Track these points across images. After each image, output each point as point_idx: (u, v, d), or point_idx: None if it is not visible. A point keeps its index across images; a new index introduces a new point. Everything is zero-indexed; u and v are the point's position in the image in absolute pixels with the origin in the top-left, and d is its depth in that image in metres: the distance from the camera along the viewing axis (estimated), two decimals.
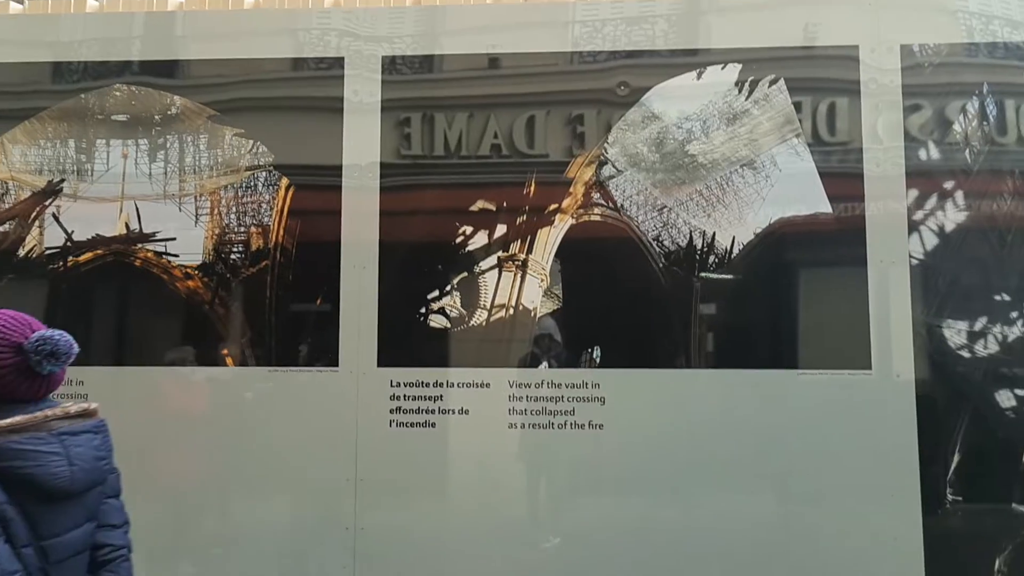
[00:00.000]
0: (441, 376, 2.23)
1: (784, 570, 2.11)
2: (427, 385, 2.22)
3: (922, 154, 2.23)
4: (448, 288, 2.27)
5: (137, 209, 2.33)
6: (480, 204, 2.28)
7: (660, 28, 2.30)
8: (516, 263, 2.26)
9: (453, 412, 2.22)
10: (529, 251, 2.26)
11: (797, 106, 2.25)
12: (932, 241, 2.21)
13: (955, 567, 2.10)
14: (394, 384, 2.22)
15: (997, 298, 2.19)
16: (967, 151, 2.23)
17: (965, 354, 2.18)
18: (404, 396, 2.22)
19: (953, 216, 2.21)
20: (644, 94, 2.28)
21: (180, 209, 2.32)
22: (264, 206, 2.31)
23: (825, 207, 2.23)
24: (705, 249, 2.23)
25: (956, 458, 2.13)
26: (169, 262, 2.32)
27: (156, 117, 2.36)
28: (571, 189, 2.27)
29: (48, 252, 2.34)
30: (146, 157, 2.33)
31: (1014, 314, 2.19)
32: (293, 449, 2.24)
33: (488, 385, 2.22)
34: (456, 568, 2.19)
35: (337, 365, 2.23)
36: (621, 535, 2.15)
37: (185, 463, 2.26)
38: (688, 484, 2.16)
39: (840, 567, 2.10)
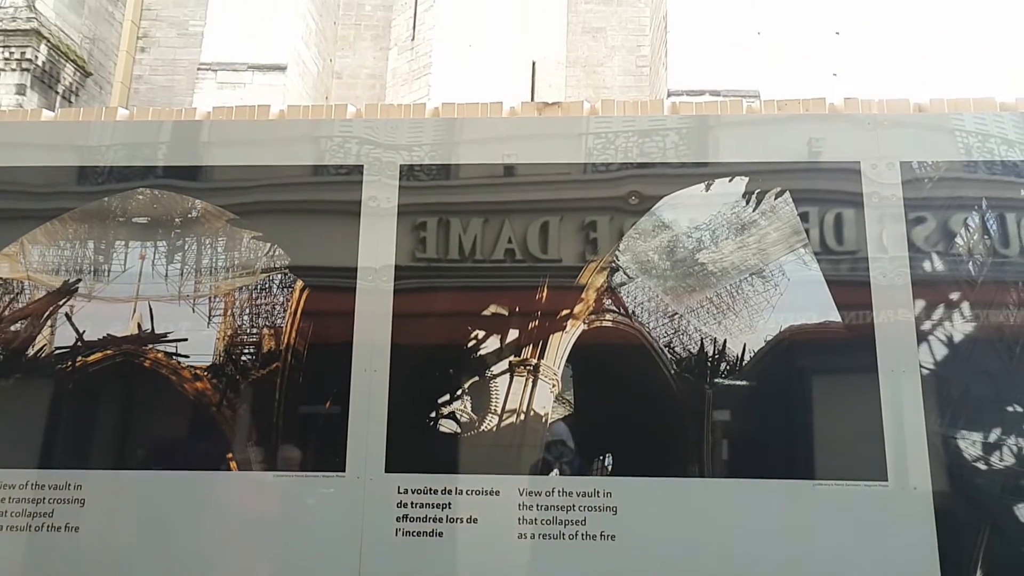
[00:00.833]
0: (450, 483, 2.18)
1: None
2: (435, 492, 2.18)
3: (927, 265, 2.28)
4: (459, 392, 2.25)
5: (151, 309, 2.33)
6: (493, 308, 2.30)
7: (670, 141, 2.38)
8: (528, 368, 2.25)
9: (461, 520, 2.16)
10: (541, 356, 2.26)
11: (804, 216, 2.31)
12: (941, 351, 2.23)
13: None
14: (401, 490, 2.18)
15: (1009, 409, 2.19)
16: (971, 262, 2.28)
17: (981, 466, 2.16)
18: (411, 503, 2.17)
19: (961, 326, 2.23)
20: (655, 203, 2.34)
21: (194, 310, 2.32)
22: (278, 308, 2.32)
23: (835, 315, 2.25)
24: (716, 356, 2.24)
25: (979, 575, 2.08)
26: (179, 363, 2.30)
27: (176, 220, 2.39)
28: (583, 295, 2.29)
29: (57, 352, 2.32)
30: (163, 258, 2.36)
31: None
32: (297, 556, 2.17)
33: (498, 493, 2.17)
34: None
35: (344, 470, 2.19)
36: None
37: (188, 569, 2.18)
38: None
39: None
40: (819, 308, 2.26)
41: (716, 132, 2.40)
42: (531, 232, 2.33)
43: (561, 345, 2.26)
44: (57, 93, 9.85)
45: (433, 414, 2.24)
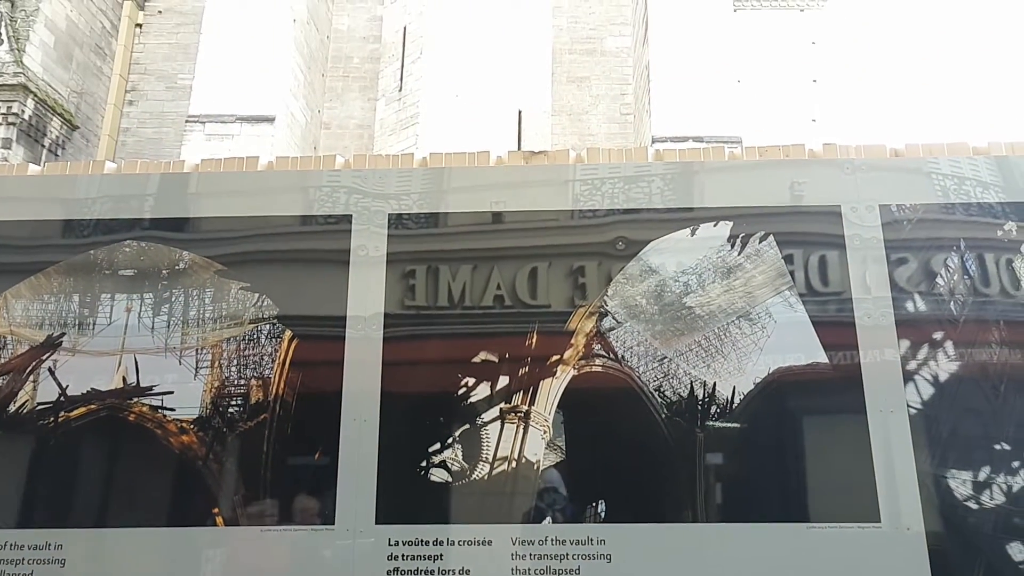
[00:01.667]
0: (441, 533, 2.14)
1: None
2: (427, 543, 2.14)
3: (910, 305, 2.31)
4: (450, 440, 2.23)
5: (136, 362, 2.30)
6: (483, 355, 2.29)
7: (656, 186, 2.43)
8: (519, 415, 2.24)
9: (454, 572, 2.12)
10: (532, 403, 2.25)
11: (788, 259, 2.34)
12: (928, 390, 2.24)
13: None
14: (392, 543, 2.13)
15: (997, 447, 2.20)
16: (952, 302, 2.31)
17: (973, 505, 2.15)
18: (403, 555, 2.13)
19: (946, 365, 2.25)
20: (642, 248, 2.37)
21: (180, 362, 2.30)
22: (266, 358, 2.30)
23: (822, 356, 2.27)
24: (706, 399, 2.24)
25: None
26: (164, 416, 2.27)
27: (163, 271, 2.39)
28: (573, 340, 2.30)
29: (40, 407, 2.28)
30: (150, 310, 2.34)
31: (1015, 463, 2.19)
32: None
33: (490, 542, 2.14)
34: None
35: (333, 523, 2.15)
36: None
37: None
38: None
39: None
40: (806, 349, 2.28)
41: (700, 178, 2.45)
42: (520, 278, 2.34)
43: (551, 391, 2.26)
44: (43, 147, 9.90)
45: (424, 463, 2.21)
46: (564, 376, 2.27)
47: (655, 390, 2.25)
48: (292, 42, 10.22)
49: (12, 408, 2.28)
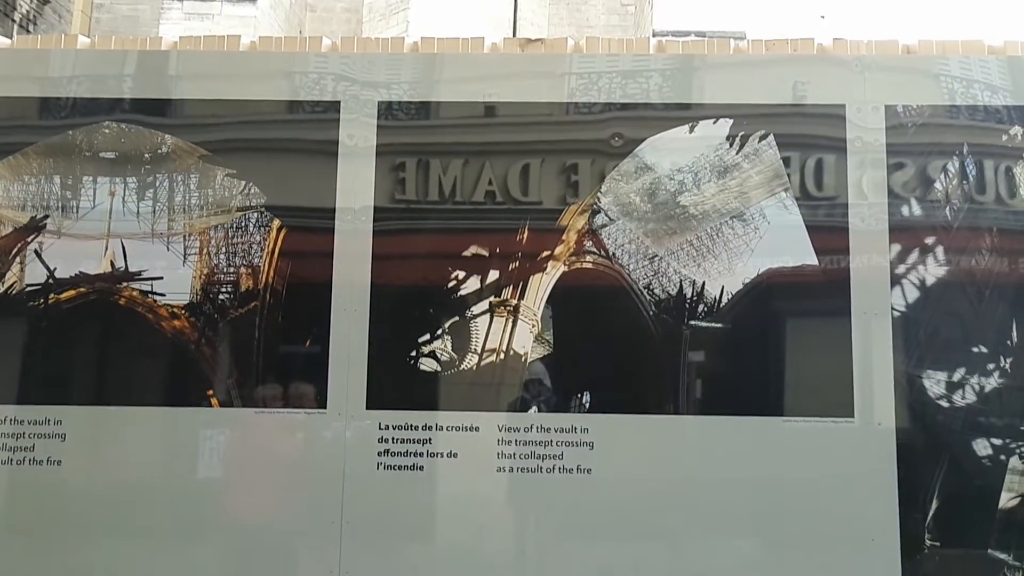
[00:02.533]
0: (430, 419, 2.22)
1: None
2: (416, 428, 2.21)
3: (905, 210, 2.30)
4: (439, 332, 2.27)
5: (123, 247, 2.28)
6: (473, 250, 2.29)
7: (654, 82, 2.34)
8: (508, 309, 2.27)
9: (441, 455, 2.21)
10: (521, 297, 2.27)
11: (786, 161, 2.30)
12: (914, 294, 2.28)
13: None
14: (382, 427, 2.21)
15: (975, 350, 2.26)
16: (947, 208, 2.31)
17: (944, 404, 2.24)
18: (392, 439, 2.21)
19: (934, 270, 2.28)
20: (637, 146, 2.32)
21: (168, 248, 2.28)
22: (255, 247, 2.29)
23: (812, 259, 2.28)
24: (695, 298, 2.27)
25: (935, 504, 2.18)
26: (155, 301, 2.28)
27: (146, 155, 2.32)
28: (564, 237, 2.29)
29: (29, 289, 2.28)
30: (134, 195, 2.29)
31: (990, 366, 2.26)
32: (281, 490, 2.22)
33: (477, 429, 2.22)
34: None
35: (325, 407, 2.21)
36: None
37: (168, 503, 2.21)
38: (674, 527, 2.19)
39: None
40: (797, 252, 2.28)
41: (701, 74, 2.36)
42: (512, 174, 2.30)
43: (541, 286, 2.27)
44: (14, 21, 9.37)
45: (413, 353, 2.26)
46: (554, 272, 2.28)
47: (644, 288, 2.27)
48: None
49: (1, 289, 2.28)
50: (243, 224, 2.30)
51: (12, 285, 2.29)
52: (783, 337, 2.28)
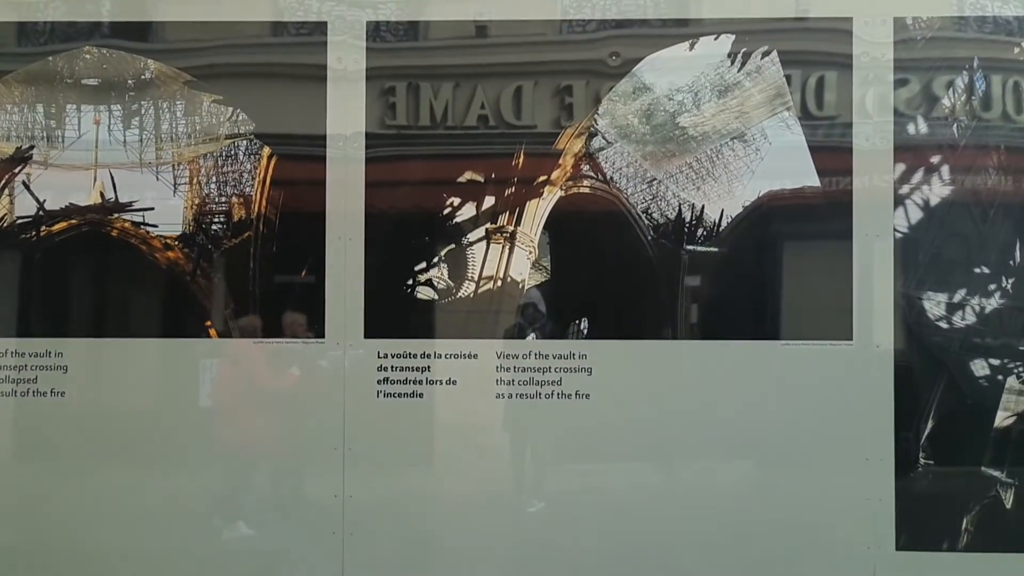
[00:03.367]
0: (428, 347, 2.22)
1: (763, 531, 2.19)
2: (414, 356, 2.22)
3: (910, 128, 2.24)
4: (435, 260, 2.25)
5: (112, 178, 2.25)
6: (468, 175, 2.25)
7: None
8: (504, 235, 2.24)
9: (440, 383, 2.22)
10: (517, 223, 2.24)
11: (788, 79, 2.23)
12: (916, 215, 2.24)
13: (925, 526, 2.18)
14: (381, 355, 2.22)
15: (976, 271, 2.24)
16: (954, 126, 2.24)
17: (943, 325, 2.23)
18: (391, 367, 2.22)
19: (938, 190, 2.23)
20: (635, 65, 2.24)
21: (157, 178, 2.24)
22: (246, 176, 2.25)
23: (813, 181, 2.24)
24: (694, 222, 2.24)
25: (930, 424, 2.20)
26: (148, 232, 2.26)
27: (129, 82, 2.26)
28: (560, 161, 2.24)
29: (20, 221, 2.26)
30: (119, 124, 2.24)
31: (991, 287, 2.24)
32: (282, 419, 2.25)
33: (475, 356, 2.23)
34: (443, 533, 2.24)
35: (323, 337, 2.22)
36: (606, 500, 2.21)
37: (169, 433, 2.25)
38: (672, 451, 2.22)
39: (815, 527, 2.19)
40: (799, 173, 2.23)
41: None
42: (504, 97, 2.23)
43: (538, 212, 2.24)
44: None
45: (410, 281, 2.25)
46: (551, 197, 2.24)
47: (643, 212, 2.24)
48: None
49: None
50: (233, 152, 2.26)
51: (3, 217, 2.27)
52: (783, 261, 2.26)
